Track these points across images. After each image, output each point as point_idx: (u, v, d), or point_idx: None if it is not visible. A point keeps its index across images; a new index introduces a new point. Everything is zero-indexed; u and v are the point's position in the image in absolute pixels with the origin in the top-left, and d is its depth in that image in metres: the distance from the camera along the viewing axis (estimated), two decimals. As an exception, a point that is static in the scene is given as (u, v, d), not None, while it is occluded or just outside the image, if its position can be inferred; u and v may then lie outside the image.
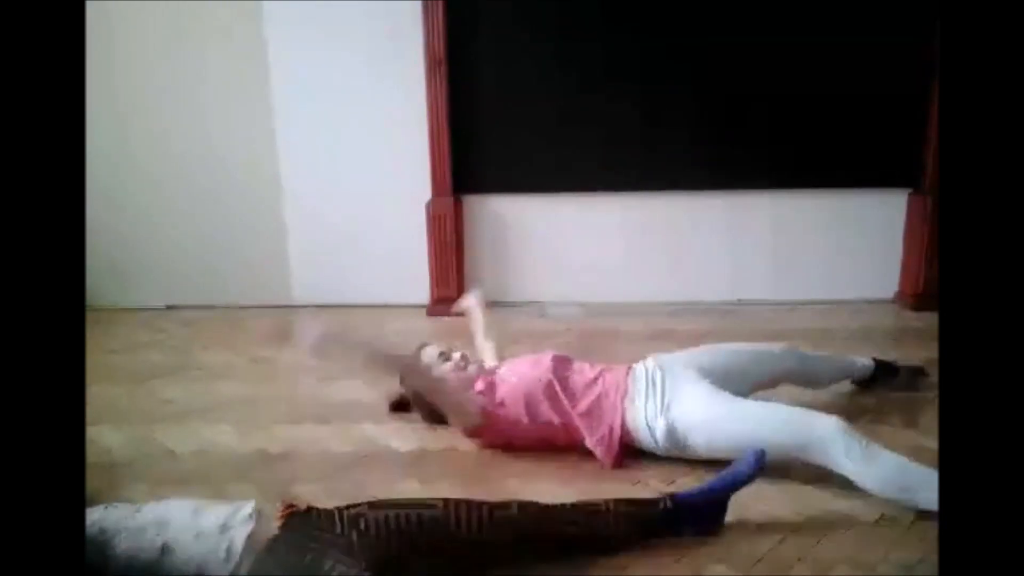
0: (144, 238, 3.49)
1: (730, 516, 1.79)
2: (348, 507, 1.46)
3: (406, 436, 2.23)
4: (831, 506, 1.81)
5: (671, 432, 1.96)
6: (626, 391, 2.05)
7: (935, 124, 3.20)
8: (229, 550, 1.41)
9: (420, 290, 3.49)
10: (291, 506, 1.49)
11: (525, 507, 1.61)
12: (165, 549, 1.39)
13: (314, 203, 3.48)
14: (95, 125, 3.06)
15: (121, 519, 1.43)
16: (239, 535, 1.42)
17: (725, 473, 1.75)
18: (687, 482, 1.93)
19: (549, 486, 1.91)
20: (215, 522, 1.44)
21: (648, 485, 1.93)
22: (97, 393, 2.50)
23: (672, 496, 1.71)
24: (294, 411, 2.43)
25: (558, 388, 2.06)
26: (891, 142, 3.32)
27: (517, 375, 2.12)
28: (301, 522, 1.43)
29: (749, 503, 1.83)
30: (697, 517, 1.70)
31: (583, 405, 2.05)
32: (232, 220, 3.44)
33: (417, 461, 2.11)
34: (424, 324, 3.38)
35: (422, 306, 3.49)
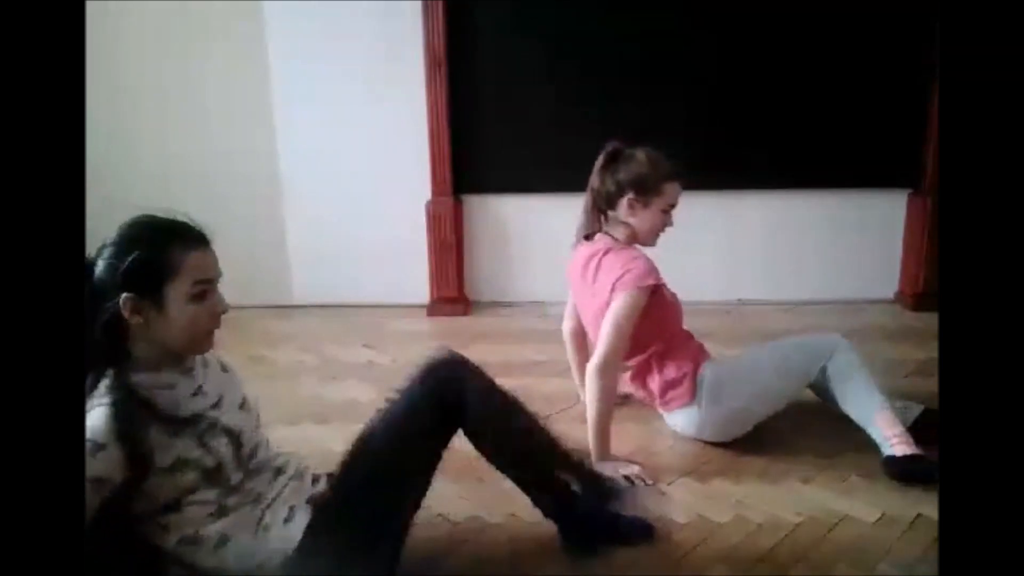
0: (144, 238, 3.49)
1: (730, 516, 1.79)
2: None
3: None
4: (831, 506, 1.82)
5: (715, 383, 2.03)
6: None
7: (935, 124, 3.21)
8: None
9: (420, 290, 3.49)
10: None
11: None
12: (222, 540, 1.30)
13: (314, 203, 3.48)
14: (95, 125, 3.05)
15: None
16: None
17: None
18: (686, 481, 1.94)
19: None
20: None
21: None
22: (97, 393, 2.50)
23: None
24: (294, 411, 2.43)
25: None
26: (891, 142, 3.32)
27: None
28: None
29: (749, 503, 1.84)
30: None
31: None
32: (232, 220, 3.42)
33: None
34: (424, 324, 3.39)
35: (422, 306, 3.49)
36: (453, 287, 3.46)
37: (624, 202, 2.03)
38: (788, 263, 3.51)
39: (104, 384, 1.21)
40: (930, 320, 3.12)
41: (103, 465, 1.15)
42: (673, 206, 2.06)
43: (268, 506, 1.35)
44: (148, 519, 1.25)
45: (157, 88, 3.38)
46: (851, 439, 2.08)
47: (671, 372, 2.09)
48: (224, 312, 1.32)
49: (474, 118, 3.33)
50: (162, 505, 1.23)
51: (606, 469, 1.95)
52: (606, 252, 2.06)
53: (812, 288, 3.49)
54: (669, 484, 1.94)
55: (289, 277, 3.58)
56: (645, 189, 2.01)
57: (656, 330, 2.08)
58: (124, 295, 1.20)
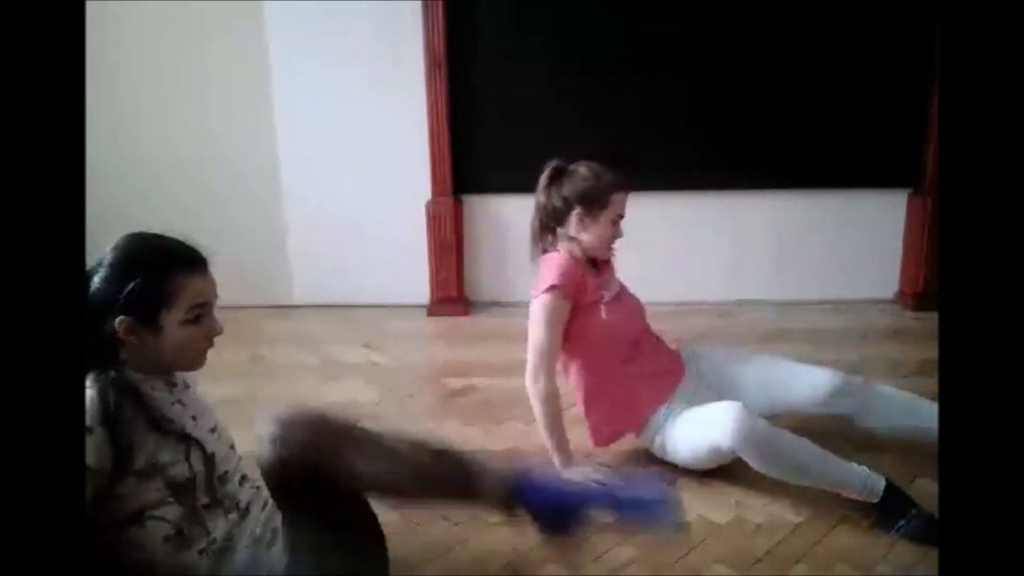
0: (144, 238, 3.49)
1: (730, 516, 1.79)
2: None
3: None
4: (831, 506, 1.81)
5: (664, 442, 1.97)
6: (671, 398, 1.98)
7: (935, 124, 3.21)
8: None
9: (420, 290, 3.49)
10: None
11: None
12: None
13: (314, 203, 3.48)
14: (95, 126, 3.05)
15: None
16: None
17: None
18: (686, 481, 1.94)
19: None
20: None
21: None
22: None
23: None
24: (294, 411, 2.42)
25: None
26: (891, 142, 3.32)
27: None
28: None
29: (749, 503, 1.84)
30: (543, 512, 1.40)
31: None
32: (233, 220, 3.43)
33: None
34: (424, 324, 3.39)
35: (422, 306, 3.49)
36: (453, 287, 3.46)
37: (573, 217, 1.98)
38: (788, 263, 3.51)
39: (93, 373, 1.20)
40: (930, 320, 3.12)
41: (90, 451, 1.13)
42: (622, 216, 2.02)
43: (224, 550, 1.30)
44: (114, 529, 1.20)
45: (157, 88, 3.38)
46: (851, 439, 2.08)
47: (605, 432, 2.02)
48: (219, 334, 1.31)
49: (474, 118, 3.33)
50: (127, 515, 1.20)
51: (574, 476, 1.85)
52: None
53: (812, 288, 3.49)
54: (668, 484, 1.93)
55: (289, 277, 3.58)
56: (592, 202, 1.97)
57: (578, 351, 2.00)
58: (120, 317, 1.20)
